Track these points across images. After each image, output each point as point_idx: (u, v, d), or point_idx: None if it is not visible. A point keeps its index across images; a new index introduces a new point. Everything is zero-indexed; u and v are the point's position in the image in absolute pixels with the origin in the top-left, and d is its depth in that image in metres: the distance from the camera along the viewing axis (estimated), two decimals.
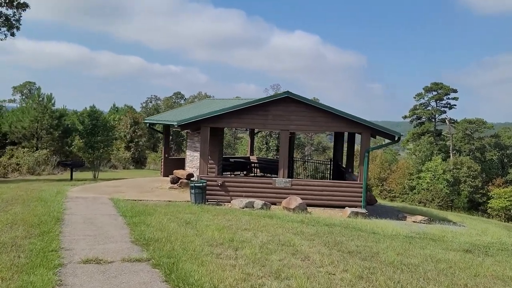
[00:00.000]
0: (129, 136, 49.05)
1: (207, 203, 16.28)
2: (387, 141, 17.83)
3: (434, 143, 61.72)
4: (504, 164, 71.56)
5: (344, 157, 21.05)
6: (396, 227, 13.70)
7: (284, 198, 16.46)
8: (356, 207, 16.52)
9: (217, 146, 18.54)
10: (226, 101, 21.75)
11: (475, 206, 56.69)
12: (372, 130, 16.34)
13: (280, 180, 16.61)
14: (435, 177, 54.16)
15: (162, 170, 23.20)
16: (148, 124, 23.44)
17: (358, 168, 16.97)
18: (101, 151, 30.05)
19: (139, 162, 49.76)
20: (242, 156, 29.08)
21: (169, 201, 16.35)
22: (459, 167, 58.57)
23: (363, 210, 16.05)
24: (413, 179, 57.01)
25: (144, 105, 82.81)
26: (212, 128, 16.93)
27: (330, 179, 22.43)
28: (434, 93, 66.45)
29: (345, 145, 21.65)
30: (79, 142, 30.49)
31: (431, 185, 53.14)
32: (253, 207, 15.51)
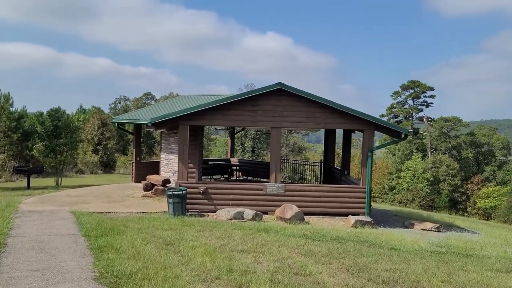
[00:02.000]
0: (96, 138, 45.88)
1: (187, 213, 13.92)
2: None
3: (412, 142, 60.67)
4: (479, 162, 71.51)
5: (337, 158, 18.97)
6: (413, 239, 11.68)
7: (277, 206, 14.24)
8: (358, 214, 14.46)
9: (197, 148, 16.18)
10: (204, 97, 19.38)
11: (454, 205, 55.98)
12: (376, 126, 14.31)
13: (272, 186, 14.39)
14: (415, 176, 53.06)
15: (133, 175, 20.63)
16: (116, 124, 20.85)
17: (360, 171, 14.92)
18: (64, 155, 27.12)
19: (108, 166, 46.63)
20: (221, 158, 26.74)
21: (143, 212, 13.92)
22: (438, 165, 57.74)
23: (368, 218, 14.00)
24: (393, 179, 55.83)
25: (112, 106, 79.09)
26: (191, 127, 14.58)
27: (321, 183, 20.37)
28: (411, 91, 65.58)
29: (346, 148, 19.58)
30: (40, 146, 27.48)
31: (411, 185, 51.99)
32: (242, 218, 13.23)
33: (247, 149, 54.55)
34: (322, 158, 21.08)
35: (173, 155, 18.73)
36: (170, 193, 13.49)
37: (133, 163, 20.67)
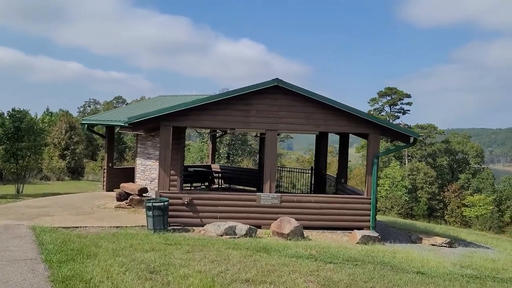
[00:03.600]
0: (64, 142, 43.17)
1: (169, 228, 12.04)
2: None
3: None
4: (453, 170, 71.73)
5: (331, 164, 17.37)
6: (434, 259, 10.14)
7: (272, 219, 12.52)
8: (362, 228, 12.89)
9: (179, 153, 14.33)
10: (188, 97, 17.50)
11: (431, 212, 55.50)
12: (383, 130, 12.80)
13: (267, 196, 12.66)
14: (393, 184, 52.29)
15: (104, 183, 18.53)
16: (86, 126, 18.71)
17: (365, 179, 13.36)
18: (27, 159, 24.65)
19: (75, 172, 43.93)
20: (202, 164, 24.85)
21: (118, 227, 11.95)
22: (416, 173, 57.28)
23: (374, 233, 12.43)
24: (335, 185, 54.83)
25: (81, 109, 75.97)
26: (174, 129, 12.73)
27: (311, 192, 18.76)
28: (388, 98, 65.22)
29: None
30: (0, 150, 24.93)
31: (390, 192, 51.18)
32: (235, 233, 11.43)
33: (222, 156, 52.83)
34: (313, 164, 19.52)
35: (150, 160, 16.78)
36: (150, 204, 11.59)
37: (104, 169, 18.58)
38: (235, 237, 11.23)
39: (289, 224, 11.88)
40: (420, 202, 53.01)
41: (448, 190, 55.75)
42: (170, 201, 12.09)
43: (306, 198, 12.92)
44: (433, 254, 11.35)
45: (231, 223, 11.69)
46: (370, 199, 12.92)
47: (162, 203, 11.70)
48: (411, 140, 12.93)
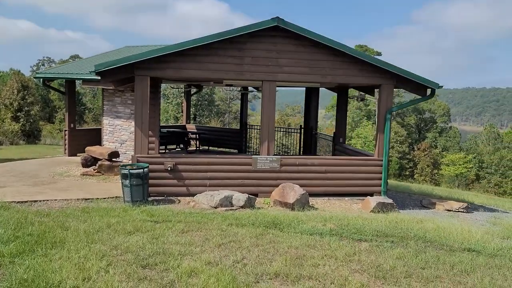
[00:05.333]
0: (16, 104, 39.44)
1: (150, 199, 10.04)
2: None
3: (362, 109, 59.16)
4: (421, 128, 72.02)
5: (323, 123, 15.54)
6: (469, 230, 8.62)
7: (270, 186, 10.71)
8: (372, 194, 11.29)
9: (156, 110, 12.11)
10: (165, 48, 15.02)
11: (401, 171, 55.49)
12: (398, 79, 10.99)
13: (264, 159, 10.76)
14: (365, 143, 51.49)
15: (66, 146, 16.11)
16: (42, 81, 16.05)
17: (376, 138, 11.64)
18: None
19: (31, 136, 40.47)
20: (176, 124, 22.60)
21: (87, 199, 9.84)
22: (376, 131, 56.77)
23: (388, 199, 10.84)
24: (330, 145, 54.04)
25: (35, 68, 70.70)
26: (151, 81, 10.47)
27: (301, 154, 17.04)
28: None
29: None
30: None
31: (324, 148, 50.30)
32: (231, 204, 9.53)
33: (172, 115, 51.06)
34: (302, 123, 17.74)
35: (119, 120, 14.49)
36: (127, 171, 9.48)
37: (65, 131, 16.11)
38: (232, 209, 9.35)
39: (293, 191, 10.09)
40: (391, 161, 52.67)
41: (418, 149, 55.71)
42: (150, 167, 10.03)
43: (310, 161, 11.10)
44: (459, 222, 9.88)
45: (226, 192, 9.76)
46: (382, 160, 11.26)
47: (142, 170, 9.62)
48: (428, 92, 11.22)
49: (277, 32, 10.45)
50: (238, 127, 19.57)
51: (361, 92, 61.47)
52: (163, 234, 6.81)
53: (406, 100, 56.81)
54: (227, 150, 19.08)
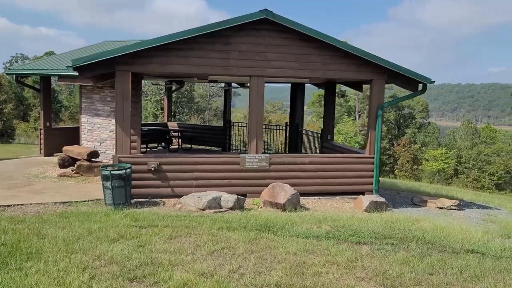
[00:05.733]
0: None
1: (133, 201, 9.49)
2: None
3: (342, 105, 59.18)
4: (400, 124, 72.56)
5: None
6: (467, 229, 8.35)
7: (259, 185, 10.28)
8: (364, 192, 10.97)
9: (137, 107, 11.52)
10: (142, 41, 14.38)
11: (380, 167, 55.72)
12: (389, 75, 10.66)
13: (253, 158, 10.31)
14: (346, 140, 51.51)
15: (42, 146, 15.36)
16: (15, 77, 15.27)
17: (368, 135, 11.30)
18: None
19: (5, 135, 39.16)
20: (157, 122, 21.96)
21: (65, 203, 9.23)
22: (367, 128, 56.93)
23: (381, 198, 10.53)
24: (317, 142, 53.98)
25: (7, 65, 68.65)
26: (132, 76, 9.90)
27: (286, 152, 16.67)
28: None
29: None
30: None
31: (309, 145, 50.27)
32: (220, 206, 9.06)
33: (150, 112, 50.50)
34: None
35: (98, 118, 13.84)
36: (108, 173, 8.92)
37: (41, 130, 15.36)
38: (221, 211, 8.88)
39: (283, 191, 9.68)
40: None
41: (398, 145, 56.04)
42: (133, 167, 9.47)
43: (300, 159, 10.70)
44: (455, 220, 9.63)
45: (214, 193, 9.29)
46: (373, 158, 10.95)
47: (124, 171, 9.07)
48: (420, 87, 10.94)
49: (265, 25, 9.99)
50: (220, 124, 19.07)
51: (341, 88, 61.63)
52: (149, 241, 6.31)
53: (398, 95, 57.00)
54: (210, 148, 18.59)
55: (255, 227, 7.50)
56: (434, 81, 10.72)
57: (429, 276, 5.36)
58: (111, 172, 8.94)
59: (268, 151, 20.51)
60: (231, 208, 9.06)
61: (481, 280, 5.29)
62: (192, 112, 60.72)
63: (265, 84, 16.42)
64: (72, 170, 12.10)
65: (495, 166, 50.57)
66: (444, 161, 40.92)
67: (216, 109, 70.60)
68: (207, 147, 18.69)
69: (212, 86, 64.48)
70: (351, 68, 10.56)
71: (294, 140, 16.40)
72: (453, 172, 52.67)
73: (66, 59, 14.56)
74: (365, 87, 16.78)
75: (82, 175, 11.94)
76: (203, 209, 8.88)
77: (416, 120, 70.39)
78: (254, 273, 5.16)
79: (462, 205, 11.92)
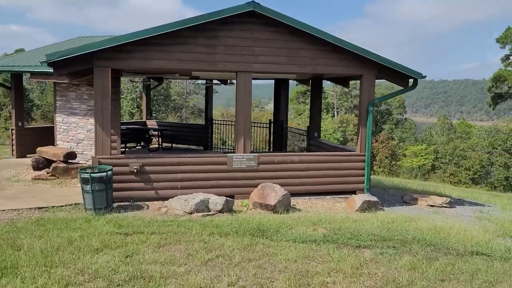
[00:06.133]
0: None
1: (114, 205, 8.92)
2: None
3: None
4: (377, 121, 73.09)
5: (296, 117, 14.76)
6: (466, 229, 8.09)
7: (247, 186, 9.84)
8: (355, 191, 10.64)
9: (117, 105, 10.90)
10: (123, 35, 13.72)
11: None
12: (380, 69, 10.34)
13: (240, 158, 9.86)
14: (325, 136, 51.51)
15: (14, 147, 14.57)
16: None
17: (358, 134, 10.95)
18: None
19: None
20: (135, 121, 21.26)
21: (41, 208, 8.60)
22: (345, 125, 57.11)
23: (373, 197, 10.21)
24: (304, 140, 53.90)
25: None
26: (112, 72, 9.29)
27: (271, 150, 16.27)
28: None
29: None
30: None
31: (295, 143, 50.26)
32: (208, 209, 8.57)
33: (127, 110, 49.66)
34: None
35: (75, 117, 13.15)
36: (87, 175, 8.33)
37: (12, 130, 14.56)
38: (210, 214, 8.41)
39: (273, 192, 9.26)
40: None
41: (376, 141, 56.31)
42: (114, 169, 8.90)
43: (290, 158, 10.30)
44: (450, 219, 9.38)
45: (201, 195, 8.79)
46: (365, 155, 10.62)
47: (105, 173, 8.50)
48: (410, 83, 10.66)
49: (252, 19, 9.53)
50: (198, 122, 18.52)
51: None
52: (137, 251, 5.80)
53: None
54: (192, 147, 18.05)
55: (248, 231, 7.06)
56: (425, 76, 10.46)
57: (441, 283, 5.03)
58: (91, 174, 8.35)
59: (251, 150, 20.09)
60: (220, 211, 8.59)
61: (495, 286, 4.98)
62: (169, 110, 59.81)
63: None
64: (48, 173, 11.42)
65: (470, 160, 51.32)
66: (424, 156, 41.16)
67: (194, 107, 69.75)
68: (189, 146, 18.14)
69: (190, 84, 63.71)
70: (341, 63, 10.20)
71: (279, 138, 16.01)
72: (430, 168, 53.31)
73: (39, 55, 13.81)
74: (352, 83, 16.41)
75: (58, 177, 11.28)
76: (191, 213, 8.38)
77: (393, 116, 71.06)
78: (256, 285, 4.72)
79: (453, 202, 11.72)
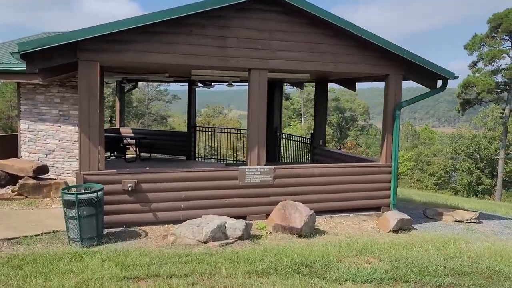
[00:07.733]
0: None
1: (104, 232, 7.15)
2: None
3: (288, 108, 58.25)
4: (342, 127, 73.00)
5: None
6: None
7: (262, 205, 8.32)
8: (380, 207, 9.31)
9: (101, 109, 9.10)
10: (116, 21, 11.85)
11: None
12: (408, 68, 9.06)
13: (254, 171, 8.30)
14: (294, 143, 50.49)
15: None
16: None
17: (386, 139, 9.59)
18: None
19: None
20: (107, 128, 19.19)
21: (10, 240, 6.72)
22: (312, 131, 56.37)
23: (404, 214, 8.88)
24: (307, 149, 52.64)
25: None
26: (100, 69, 7.55)
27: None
28: None
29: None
30: None
31: (291, 152, 49.34)
32: (226, 236, 6.95)
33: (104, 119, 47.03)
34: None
35: (44, 124, 11.18)
36: (73, 197, 6.55)
37: None
38: (229, 243, 6.80)
39: (297, 212, 7.76)
40: None
41: (344, 147, 55.90)
42: (105, 188, 7.14)
43: (309, 171, 8.83)
44: (492, 238, 8.22)
45: (216, 219, 7.15)
46: (391, 166, 9.30)
47: (95, 194, 6.74)
48: (439, 84, 9.45)
49: (268, 6, 8.04)
50: (163, 129, 16.77)
51: (286, 91, 60.62)
52: None
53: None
54: (174, 157, 16.29)
55: (292, 268, 5.54)
56: (458, 76, 9.29)
57: None
58: (78, 196, 6.57)
59: (239, 161, 18.52)
60: (239, 238, 7.01)
61: None
62: (130, 116, 57.25)
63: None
64: (13, 191, 9.44)
65: (434, 166, 51.68)
66: (403, 164, 40.74)
67: (156, 114, 67.32)
68: (169, 156, 16.36)
69: (151, 90, 61.45)
70: (366, 61, 8.85)
71: (273, 146, 14.56)
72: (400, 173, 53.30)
73: (3, 49, 11.78)
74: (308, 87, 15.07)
75: (26, 197, 9.31)
76: (205, 242, 6.74)
77: (357, 122, 71.13)
78: None
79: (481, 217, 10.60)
